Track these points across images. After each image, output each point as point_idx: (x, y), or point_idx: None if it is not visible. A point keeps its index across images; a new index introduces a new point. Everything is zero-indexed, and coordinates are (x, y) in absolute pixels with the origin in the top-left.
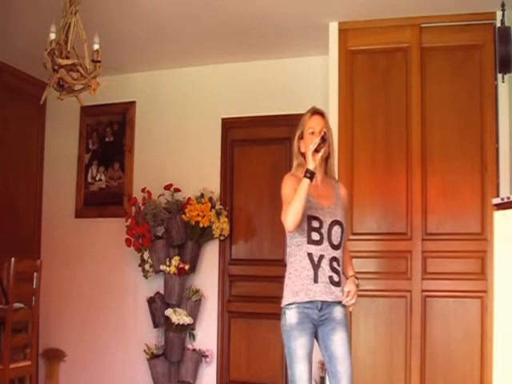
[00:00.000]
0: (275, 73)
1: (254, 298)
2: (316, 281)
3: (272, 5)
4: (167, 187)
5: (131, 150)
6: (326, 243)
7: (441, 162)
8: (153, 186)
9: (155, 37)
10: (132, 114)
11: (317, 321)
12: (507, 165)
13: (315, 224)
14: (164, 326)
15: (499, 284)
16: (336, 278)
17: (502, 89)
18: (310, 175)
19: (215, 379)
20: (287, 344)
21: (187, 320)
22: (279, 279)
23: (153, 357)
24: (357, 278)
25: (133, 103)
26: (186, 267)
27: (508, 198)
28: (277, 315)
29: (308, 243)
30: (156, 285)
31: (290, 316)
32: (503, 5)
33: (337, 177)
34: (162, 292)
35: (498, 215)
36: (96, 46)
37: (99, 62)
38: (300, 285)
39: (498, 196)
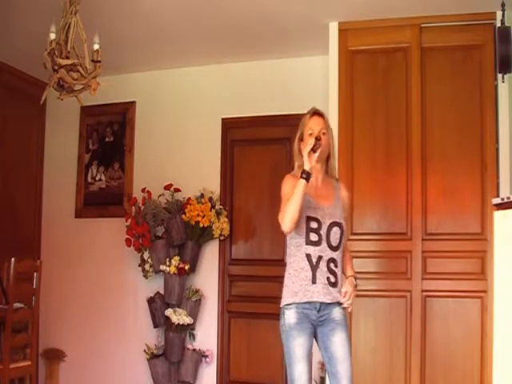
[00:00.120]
0: (275, 73)
1: (253, 297)
2: (314, 282)
3: (272, 5)
4: (167, 187)
5: (131, 150)
6: (324, 244)
7: (441, 162)
8: (153, 186)
9: (155, 37)
10: (132, 114)
11: (316, 321)
12: (507, 165)
13: (313, 225)
14: (164, 326)
15: (499, 284)
16: (333, 279)
17: (502, 89)
18: (306, 176)
19: (215, 379)
20: (286, 344)
21: (187, 320)
22: (279, 279)
23: (153, 357)
24: (355, 279)
25: (133, 103)
26: (186, 267)
27: (508, 197)
28: (277, 315)
29: (306, 244)
30: (156, 285)
31: (289, 316)
32: (503, 5)
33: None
34: (162, 292)
35: (498, 215)
36: (96, 46)
37: (99, 61)
38: (299, 285)
39: (498, 196)
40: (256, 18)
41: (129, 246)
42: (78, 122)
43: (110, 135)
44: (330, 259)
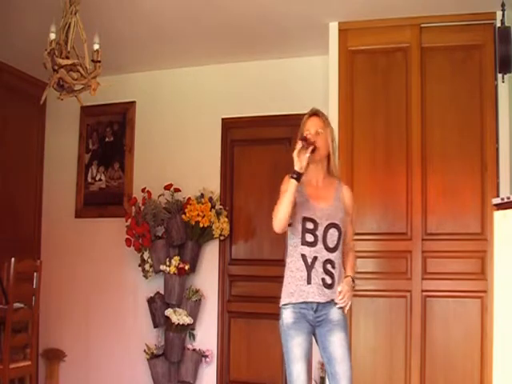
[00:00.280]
0: (275, 73)
1: (253, 297)
2: (309, 282)
3: (272, 5)
4: (167, 187)
5: (131, 150)
6: (320, 245)
7: (441, 162)
8: (153, 186)
9: (155, 37)
10: (132, 114)
11: (313, 322)
12: (507, 165)
13: (309, 225)
14: (164, 326)
15: (499, 284)
16: (329, 281)
17: (502, 89)
18: (297, 176)
19: (215, 379)
20: (285, 344)
21: (187, 320)
22: (279, 279)
23: (153, 357)
24: (353, 280)
25: (133, 103)
26: (186, 267)
27: (508, 197)
28: (277, 315)
29: (302, 244)
30: (156, 285)
31: (286, 316)
32: (503, 5)
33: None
34: (162, 292)
35: (498, 215)
36: (96, 46)
37: (99, 61)
38: (294, 286)
39: (498, 196)
40: (256, 18)
41: (129, 246)
42: (78, 122)
43: (109, 135)
44: (326, 260)
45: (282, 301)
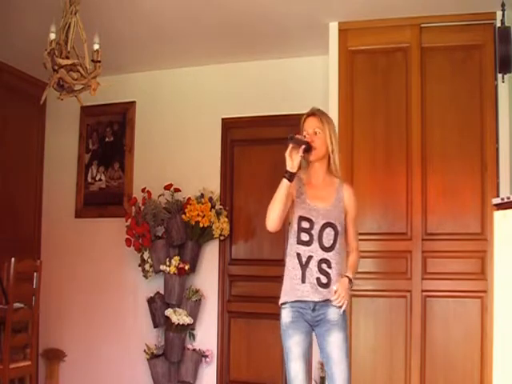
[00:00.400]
0: (275, 73)
1: (253, 298)
2: (303, 281)
3: (272, 5)
4: (167, 187)
5: (131, 150)
6: (315, 244)
7: (441, 162)
8: (153, 186)
9: (155, 37)
10: (132, 114)
11: (312, 321)
12: (507, 165)
13: (305, 225)
14: (164, 326)
15: (499, 284)
16: (324, 280)
17: (502, 89)
18: (289, 176)
19: (215, 379)
20: (284, 343)
21: (187, 320)
22: (279, 279)
23: (153, 357)
24: (351, 280)
25: (133, 103)
26: (186, 267)
27: (508, 197)
28: (277, 315)
29: (297, 243)
30: (156, 285)
31: (285, 315)
32: (503, 5)
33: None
34: (162, 292)
35: (498, 215)
36: (96, 46)
37: (99, 61)
38: (289, 284)
39: (498, 196)
40: (256, 18)
41: (129, 245)
42: (78, 122)
43: (110, 135)
44: (321, 260)
45: (280, 300)
